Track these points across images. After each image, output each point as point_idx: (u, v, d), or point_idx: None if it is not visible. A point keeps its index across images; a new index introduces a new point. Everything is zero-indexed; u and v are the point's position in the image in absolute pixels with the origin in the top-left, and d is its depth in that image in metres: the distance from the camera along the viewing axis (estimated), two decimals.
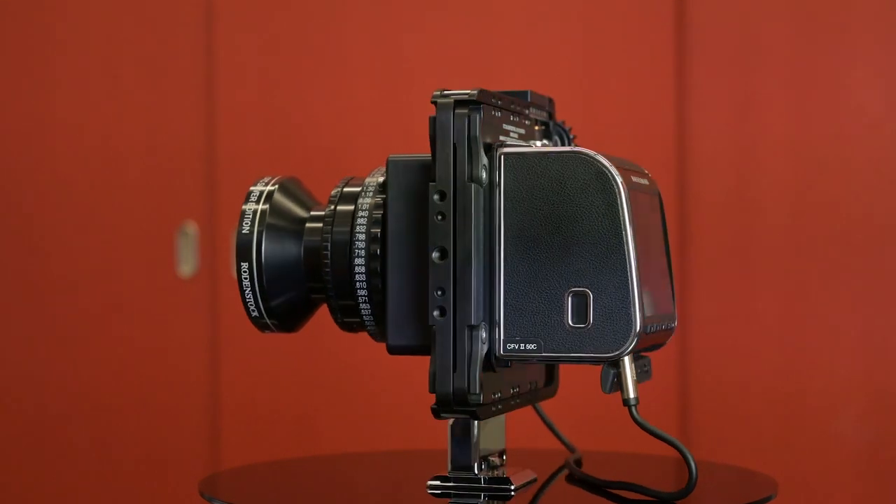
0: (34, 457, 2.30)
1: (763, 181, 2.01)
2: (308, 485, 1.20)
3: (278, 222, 1.11)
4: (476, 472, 1.08)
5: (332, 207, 1.09)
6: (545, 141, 1.16)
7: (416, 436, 1.89)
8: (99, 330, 2.26)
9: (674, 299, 1.08)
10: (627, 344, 0.99)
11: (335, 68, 2.18)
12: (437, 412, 1.02)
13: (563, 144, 1.17)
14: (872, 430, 1.98)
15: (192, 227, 2.24)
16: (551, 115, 1.17)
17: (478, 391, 1.00)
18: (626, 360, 1.00)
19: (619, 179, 1.00)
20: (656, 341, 1.05)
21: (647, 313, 1.00)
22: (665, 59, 2.04)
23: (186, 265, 2.24)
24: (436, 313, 1.00)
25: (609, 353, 1.00)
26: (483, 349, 1.01)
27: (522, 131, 1.10)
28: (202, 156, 2.23)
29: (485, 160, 1.01)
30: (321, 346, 2.14)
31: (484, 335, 1.01)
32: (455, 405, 1.01)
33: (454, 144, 1.01)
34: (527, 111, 1.12)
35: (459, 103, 1.01)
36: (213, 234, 2.23)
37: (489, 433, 1.10)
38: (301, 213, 1.12)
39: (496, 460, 1.11)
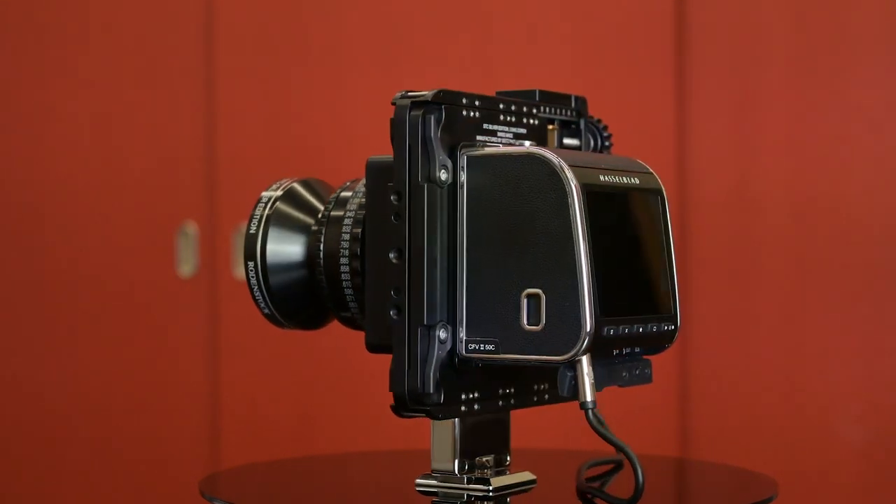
0: (34, 457, 2.30)
1: (763, 181, 2.01)
2: (308, 484, 1.20)
3: (284, 224, 1.13)
4: (456, 471, 1.08)
5: (328, 209, 1.11)
6: (574, 139, 1.15)
7: (417, 435, 1.89)
8: (99, 330, 2.26)
9: (674, 301, 1.08)
10: (578, 346, 0.98)
11: (335, 68, 2.18)
12: (396, 411, 1.03)
13: (594, 144, 1.16)
14: (872, 430, 1.98)
15: (192, 227, 2.24)
16: (581, 114, 1.16)
17: (432, 391, 1.01)
18: (584, 361, 0.99)
19: (571, 179, 0.99)
20: (637, 344, 1.04)
21: (608, 315, 1.00)
22: (665, 58, 2.04)
23: (186, 265, 2.24)
24: (392, 312, 1.01)
25: (561, 354, 0.99)
26: (444, 349, 1.02)
27: (522, 131, 1.10)
28: (202, 156, 2.23)
29: (447, 161, 1.02)
30: (321, 346, 2.14)
31: (443, 335, 1.02)
32: (410, 404, 1.02)
33: (409, 145, 1.02)
34: (533, 110, 1.11)
35: (416, 104, 1.02)
36: (213, 234, 2.23)
37: (484, 433, 1.10)
38: (307, 214, 1.14)
39: (488, 460, 1.10)
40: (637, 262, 1.05)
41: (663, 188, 1.08)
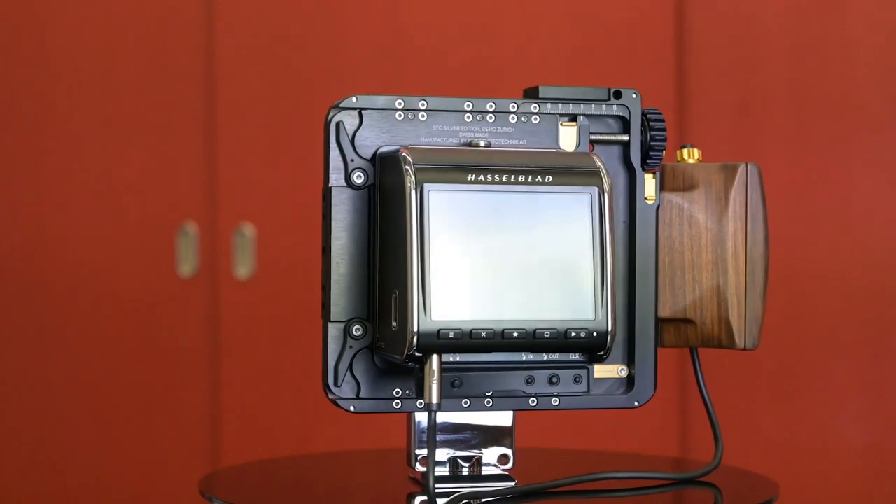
0: (34, 456, 2.29)
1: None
2: (307, 483, 1.20)
3: None
4: (417, 466, 1.10)
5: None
6: (615, 134, 1.13)
7: None
8: (99, 330, 2.26)
9: (599, 305, 1.03)
10: (408, 346, 0.99)
11: (336, 68, 2.18)
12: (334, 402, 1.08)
13: (645, 137, 1.13)
14: (872, 430, 1.98)
15: (192, 227, 2.24)
16: (629, 108, 1.13)
17: (340, 385, 1.06)
18: (433, 362, 1.01)
19: (411, 180, 1.01)
20: (529, 349, 1.03)
21: (454, 317, 1.00)
22: (665, 57, 2.04)
23: (186, 265, 2.24)
24: (322, 310, 1.08)
25: (401, 354, 1.01)
26: (358, 345, 1.06)
27: (509, 129, 1.09)
28: (202, 156, 2.23)
29: (364, 164, 1.06)
30: (321, 346, 2.13)
31: (358, 332, 1.06)
32: (328, 396, 1.07)
33: (327, 151, 1.07)
34: (533, 107, 1.10)
35: (336, 109, 1.07)
36: (213, 234, 2.23)
37: (466, 433, 1.11)
38: None
39: (462, 460, 1.11)
40: (528, 265, 1.03)
41: (599, 189, 1.04)
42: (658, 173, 1.14)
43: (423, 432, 1.08)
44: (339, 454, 1.37)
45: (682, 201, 1.15)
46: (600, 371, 1.12)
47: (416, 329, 0.99)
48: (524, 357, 1.08)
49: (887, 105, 1.98)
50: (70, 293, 2.27)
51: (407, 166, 1.01)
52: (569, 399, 1.10)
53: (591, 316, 1.02)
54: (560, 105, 1.11)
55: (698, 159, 1.17)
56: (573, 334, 1.02)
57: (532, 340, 1.01)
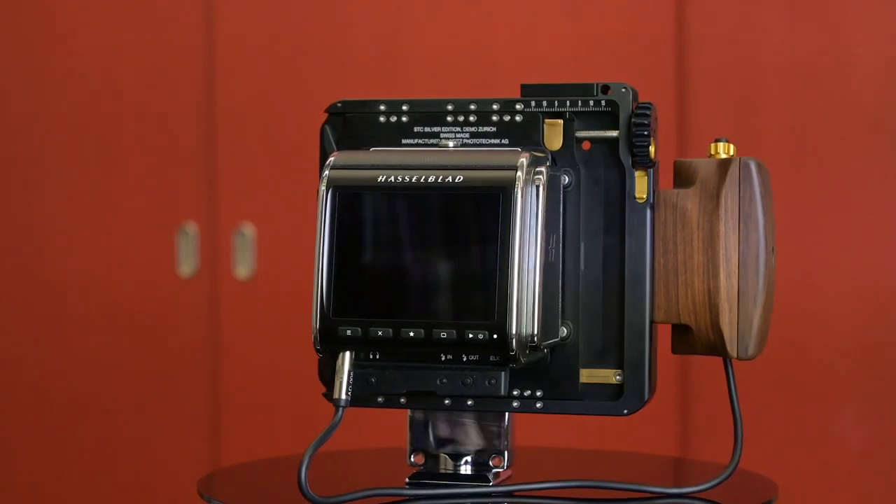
0: (34, 456, 2.29)
1: None
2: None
3: None
4: (412, 461, 1.13)
5: None
6: (601, 132, 1.09)
7: None
8: (99, 330, 2.26)
9: (500, 309, 1.01)
10: (314, 343, 1.04)
11: (336, 68, 2.18)
12: None
13: (628, 134, 1.08)
14: (872, 430, 1.98)
15: (192, 227, 2.24)
16: (614, 103, 1.08)
17: (326, 378, 1.10)
18: (344, 359, 1.04)
19: (324, 181, 1.04)
20: (404, 347, 1.03)
21: (355, 316, 1.03)
22: (665, 57, 2.04)
23: (186, 265, 2.24)
24: None
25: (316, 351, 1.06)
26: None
27: (490, 129, 1.09)
28: (202, 156, 2.23)
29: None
30: None
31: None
32: (325, 394, 1.11)
33: (320, 156, 1.10)
34: (518, 106, 1.09)
35: (328, 115, 1.11)
36: (213, 234, 2.23)
37: (459, 431, 1.12)
38: None
39: (446, 457, 1.13)
40: (433, 266, 1.03)
41: (509, 188, 1.02)
42: (652, 170, 1.08)
43: (334, 427, 1.09)
44: (339, 453, 1.37)
45: (676, 199, 1.08)
46: (594, 376, 1.09)
47: (317, 327, 1.03)
48: (444, 358, 1.05)
49: (887, 105, 1.98)
50: (70, 293, 2.27)
51: (326, 170, 1.04)
52: (553, 404, 1.09)
53: (491, 318, 1.01)
54: (545, 102, 1.09)
55: (732, 155, 1.10)
56: (470, 336, 1.01)
57: (429, 341, 1.02)
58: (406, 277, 1.03)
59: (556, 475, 1.14)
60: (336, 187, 1.04)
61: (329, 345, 1.04)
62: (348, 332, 1.03)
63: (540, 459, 1.27)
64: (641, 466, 1.34)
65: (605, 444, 1.73)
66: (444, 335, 1.02)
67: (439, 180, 1.03)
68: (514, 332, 1.01)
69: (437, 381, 1.05)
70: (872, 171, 1.98)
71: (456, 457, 1.12)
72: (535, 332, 1.02)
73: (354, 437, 2.18)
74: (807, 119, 2.00)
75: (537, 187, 1.03)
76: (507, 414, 1.11)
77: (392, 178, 1.03)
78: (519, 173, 1.02)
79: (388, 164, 1.04)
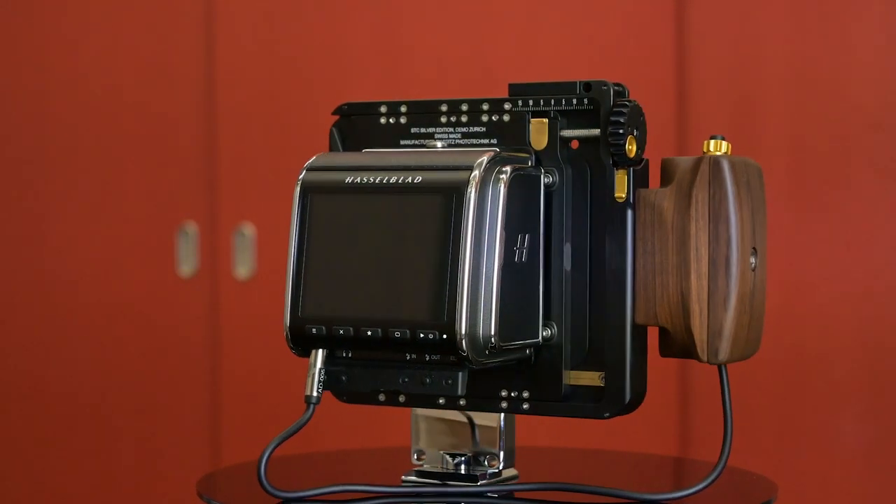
0: (34, 456, 2.30)
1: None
2: (307, 483, 1.20)
3: None
4: (416, 459, 1.14)
5: None
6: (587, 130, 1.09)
7: None
8: (99, 330, 2.26)
9: (450, 310, 1.01)
10: (286, 339, 1.09)
11: (336, 68, 2.18)
12: None
13: (604, 133, 1.07)
14: (872, 430, 1.98)
15: (192, 227, 2.24)
16: (595, 101, 1.07)
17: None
18: (316, 356, 1.08)
19: (299, 184, 1.08)
20: (392, 348, 1.04)
21: (320, 314, 1.05)
22: (666, 57, 2.04)
23: (186, 265, 2.24)
24: None
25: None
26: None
27: (480, 129, 1.09)
28: (202, 156, 2.24)
29: None
30: None
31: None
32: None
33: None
34: (506, 105, 1.09)
35: (337, 116, 1.15)
36: (213, 234, 2.23)
37: (455, 432, 1.13)
38: None
39: (449, 458, 1.13)
40: (392, 267, 1.04)
41: (461, 189, 1.02)
42: (632, 170, 1.07)
43: (303, 424, 1.12)
44: (340, 453, 1.37)
45: (654, 199, 1.06)
46: (579, 378, 1.08)
47: (287, 324, 1.07)
48: (408, 357, 1.06)
49: (887, 105, 1.98)
50: (70, 293, 2.27)
51: (301, 172, 1.08)
52: (540, 405, 1.08)
53: (440, 319, 1.01)
54: (532, 102, 1.08)
55: (726, 152, 1.07)
56: (421, 336, 1.02)
57: (386, 340, 1.04)
58: (367, 277, 1.04)
59: (553, 476, 1.14)
60: (305, 189, 1.07)
61: (299, 344, 1.09)
62: (314, 331, 1.06)
63: (540, 459, 1.27)
64: (641, 466, 1.34)
65: (607, 444, 1.73)
66: (398, 335, 1.03)
67: (399, 181, 1.04)
68: (464, 332, 1.01)
69: (400, 380, 1.06)
70: (872, 171, 1.98)
71: (454, 457, 1.13)
72: (493, 332, 1.02)
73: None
74: (806, 119, 2.00)
75: (499, 187, 1.02)
76: (501, 415, 1.11)
77: (357, 180, 1.05)
78: (475, 173, 1.02)
79: (359, 166, 1.06)
